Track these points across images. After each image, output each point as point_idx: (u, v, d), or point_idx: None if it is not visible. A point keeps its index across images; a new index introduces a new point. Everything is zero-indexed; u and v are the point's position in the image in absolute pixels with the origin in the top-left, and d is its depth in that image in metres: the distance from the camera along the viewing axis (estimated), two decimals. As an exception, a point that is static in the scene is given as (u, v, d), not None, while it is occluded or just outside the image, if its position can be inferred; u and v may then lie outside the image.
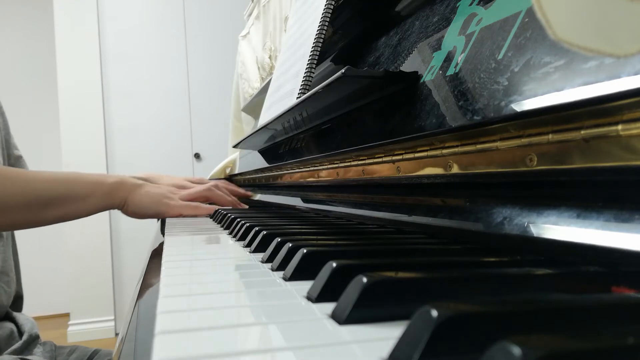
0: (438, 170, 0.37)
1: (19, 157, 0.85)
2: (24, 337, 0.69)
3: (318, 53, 0.64)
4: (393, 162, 0.44)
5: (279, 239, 0.35)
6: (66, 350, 0.78)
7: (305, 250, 0.28)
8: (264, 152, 1.08)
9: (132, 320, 0.25)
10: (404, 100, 0.42)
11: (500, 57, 0.31)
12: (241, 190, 1.08)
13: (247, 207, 0.88)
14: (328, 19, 0.64)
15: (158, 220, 0.85)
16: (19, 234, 0.84)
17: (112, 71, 2.60)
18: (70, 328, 2.47)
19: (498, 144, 0.30)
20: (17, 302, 0.80)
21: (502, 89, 0.29)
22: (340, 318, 0.19)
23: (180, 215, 0.78)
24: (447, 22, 0.41)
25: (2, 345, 0.66)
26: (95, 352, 0.78)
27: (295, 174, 0.79)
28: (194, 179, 0.99)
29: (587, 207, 0.24)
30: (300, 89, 0.64)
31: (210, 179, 1.25)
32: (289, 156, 0.79)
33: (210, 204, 0.84)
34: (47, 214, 0.67)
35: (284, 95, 0.73)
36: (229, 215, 0.62)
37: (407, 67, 0.45)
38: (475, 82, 0.32)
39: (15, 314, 0.75)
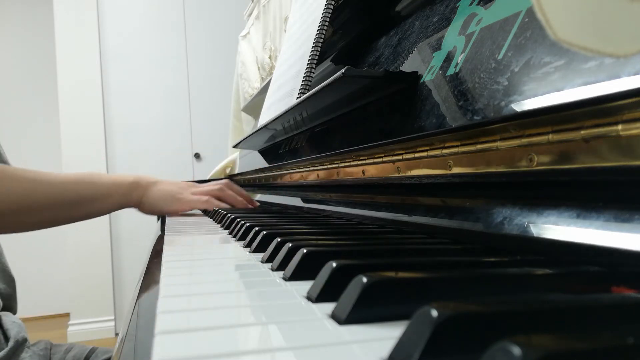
0: (438, 170, 0.37)
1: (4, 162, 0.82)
2: (10, 344, 0.67)
3: (318, 53, 0.64)
4: (393, 162, 0.44)
5: (279, 239, 0.35)
6: (63, 348, 0.77)
7: (305, 250, 0.28)
8: (264, 152, 1.08)
9: (132, 320, 0.25)
10: (404, 100, 0.42)
11: (500, 57, 0.31)
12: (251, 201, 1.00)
13: (258, 204, 0.90)
14: (328, 19, 0.64)
15: (158, 219, 0.86)
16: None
17: (112, 71, 2.60)
18: (70, 328, 2.47)
19: (498, 144, 0.30)
20: (11, 297, 0.78)
21: (502, 89, 0.29)
22: (340, 318, 0.19)
23: (192, 208, 0.83)
24: (447, 22, 0.41)
25: None
26: (92, 351, 0.77)
27: (295, 174, 0.79)
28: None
29: (587, 207, 0.24)
30: (300, 89, 0.64)
31: (210, 179, 1.24)
32: (289, 156, 0.79)
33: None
34: (71, 214, 0.73)
35: (284, 95, 0.73)
36: (229, 215, 0.62)
37: (407, 67, 0.45)
38: (475, 82, 0.32)
39: (2, 317, 0.72)
